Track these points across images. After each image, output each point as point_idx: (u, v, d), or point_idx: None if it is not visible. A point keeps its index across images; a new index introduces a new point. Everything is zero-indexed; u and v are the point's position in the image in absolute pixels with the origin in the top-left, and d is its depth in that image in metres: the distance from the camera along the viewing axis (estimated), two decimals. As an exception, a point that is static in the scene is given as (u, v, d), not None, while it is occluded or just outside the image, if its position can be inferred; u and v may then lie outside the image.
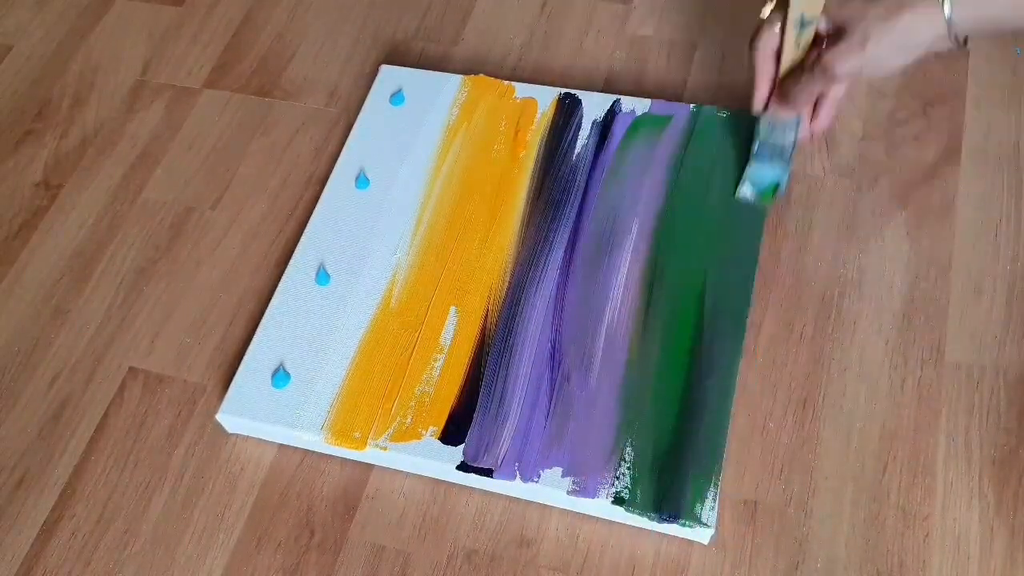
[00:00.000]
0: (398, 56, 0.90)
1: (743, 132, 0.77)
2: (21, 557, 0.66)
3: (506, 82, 0.83)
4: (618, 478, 0.63)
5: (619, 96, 0.81)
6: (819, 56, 0.63)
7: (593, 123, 0.80)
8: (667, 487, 0.62)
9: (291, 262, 0.75)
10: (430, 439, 0.65)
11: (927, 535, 0.62)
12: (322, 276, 0.73)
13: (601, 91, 0.83)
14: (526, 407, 0.66)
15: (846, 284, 0.72)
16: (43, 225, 0.82)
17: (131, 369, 0.74)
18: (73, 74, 0.92)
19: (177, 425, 0.71)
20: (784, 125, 0.69)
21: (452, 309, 0.71)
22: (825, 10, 0.63)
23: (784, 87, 0.67)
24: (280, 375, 0.69)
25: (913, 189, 0.76)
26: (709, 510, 0.61)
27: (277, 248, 0.79)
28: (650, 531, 0.63)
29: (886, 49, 0.60)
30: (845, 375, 0.68)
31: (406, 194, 0.77)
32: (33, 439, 0.71)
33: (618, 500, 0.62)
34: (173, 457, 0.69)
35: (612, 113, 0.80)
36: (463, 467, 0.64)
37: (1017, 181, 0.76)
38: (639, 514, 0.62)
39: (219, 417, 0.68)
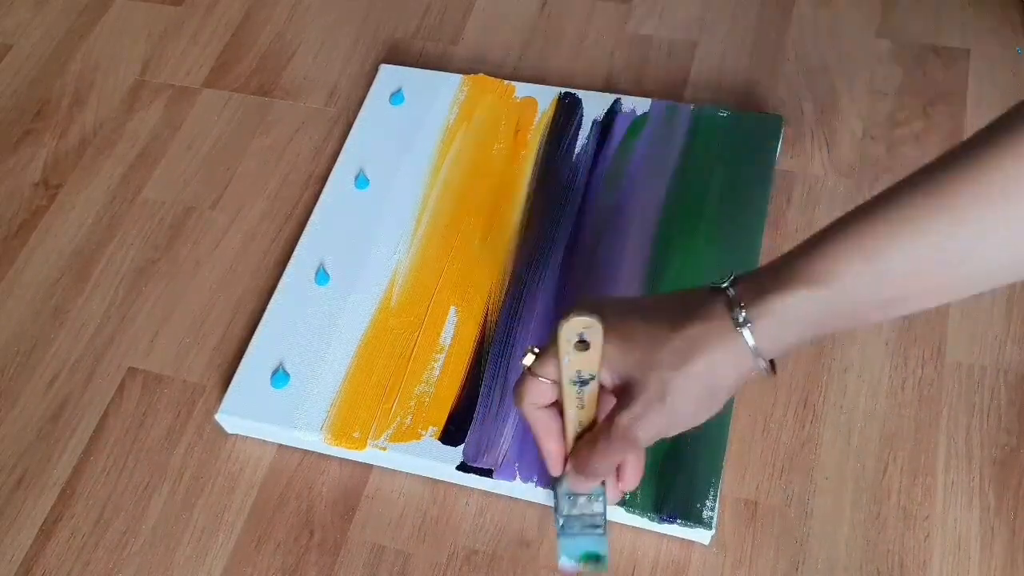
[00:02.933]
0: (398, 55, 0.90)
1: (744, 132, 0.77)
2: (20, 557, 0.66)
3: (506, 82, 0.83)
4: (618, 478, 0.63)
5: (619, 96, 0.81)
6: (611, 418, 0.50)
7: (593, 123, 0.80)
8: (667, 487, 0.62)
9: (291, 262, 0.75)
10: (430, 439, 0.65)
11: (927, 535, 0.62)
12: (322, 276, 0.73)
13: (601, 91, 0.83)
14: (526, 407, 0.66)
15: (846, 284, 0.72)
16: (42, 225, 0.82)
17: (130, 369, 0.73)
18: (72, 74, 0.92)
19: (176, 425, 0.71)
20: (587, 495, 0.55)
21: (452, 309, 0.71)
22: (605, 363, 0.49)
23: (578, 457, 0.52)
24: (279, 375, 0.69)
25: (914, 189, 0.76)
26: (709, 510, 0.61)
27: (277, 248, 0.79)
28: (650, 531, 0.63)
29: (691, 399, 0.47)
30: (846, 375, 0.68)
31: (406, 194, 0.77)
32: (32, 439, 0.71)
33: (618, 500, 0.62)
34: (172, 457, 0.69)
35: (612, 113, 0.80)
36: (463, 467, 0.64)
37: (1018, 181, 0.76)
38: (639, 514, 0.62)
39: (218, 417, 0.68)
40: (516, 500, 0.65)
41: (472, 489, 0.66)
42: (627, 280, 0.71)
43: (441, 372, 0.68)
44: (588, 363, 0.48)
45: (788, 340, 0.46)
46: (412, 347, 0.69)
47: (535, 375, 0.51)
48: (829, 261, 0.44)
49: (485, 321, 0.70)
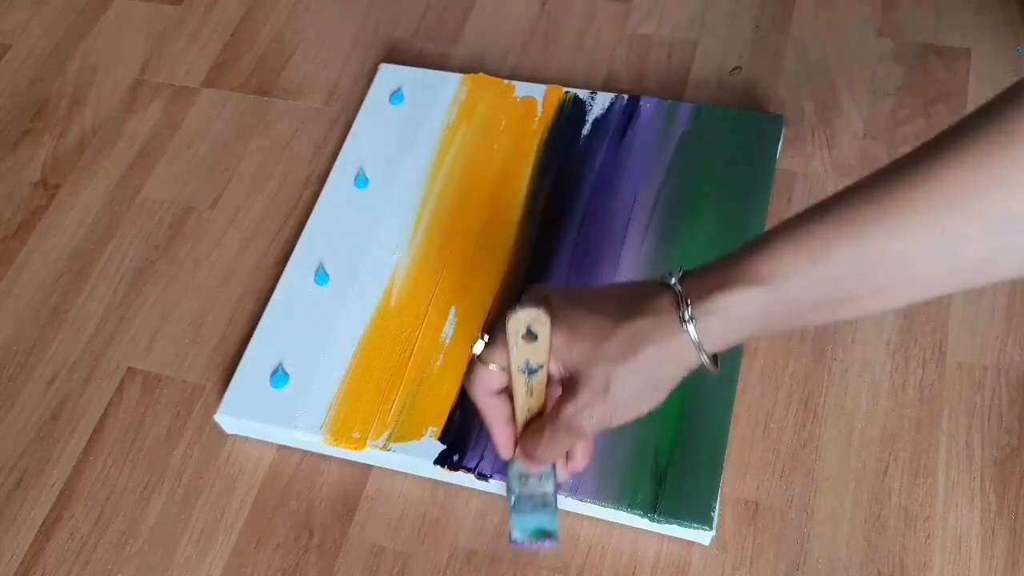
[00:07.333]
0: (397, 55, 0.89)
1: (744, 132, 0.77)
2: (20, 557, 0.66)
3: (506, 81, 0.83)
4: (619, 479, 0.62)
5: (619, 95, 0.81)
6: (557, 408, 0.51)
7: (593, 122, 0.79)
8: (668, 488, 0.62)
9: (290, 262, 0.75)
10: (430, 439, 0.65)
11: (928, 536, 0.62)
12: (321, 276, 0.73)
13: (601, 90, 0.83)
14: (526, 407, 0.66)
15: (847, 284, 0.72)
16: (41, 225, 0.82)
17: (130, 369, 0.73)
18: (72, 73, 0.92)
19: (176, 425, 0.70)
20: (537, 476, 0.57)
21: (452, 309, 0.71)
22: (552, 354, 0.50)
23: (527, 444, 0.53)
24: (279, 375, 0.68)
25: (914, 188, 0.76)
26: (710, 511, 0.61)
27: (276, 248, 0.79)
28: (651, 532, 0.63)
29: (634, 392, 0.49)
30: (846, 375, 0.68)
31: (406, 194, 0.77)
32: (32, 439, 0.71)
33: (618, 500, 0.62)
34: (172, 458, 0.69)
35: (612, 112, 0.80)
36: (462, 467, 0.64)
37: (1019, 180, 0.76)
38: (639, 515, 0.61)
39: (217, 418, 0.68)
40: (516, 500, 0.65)
41: (472, 490, 0.66)
42: (629, 278, 0.71)
43: (441, 372, 0.68)
44: (536, 353, 0.50)
45: (732, 337, 0.47)
46: (412, 347, 0.69)
47: (485, 363, 0.52)
48: (775, 260, 0.44)
49: (485, 321, 0.70)
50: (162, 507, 0.67)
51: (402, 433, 0.66)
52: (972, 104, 0.80)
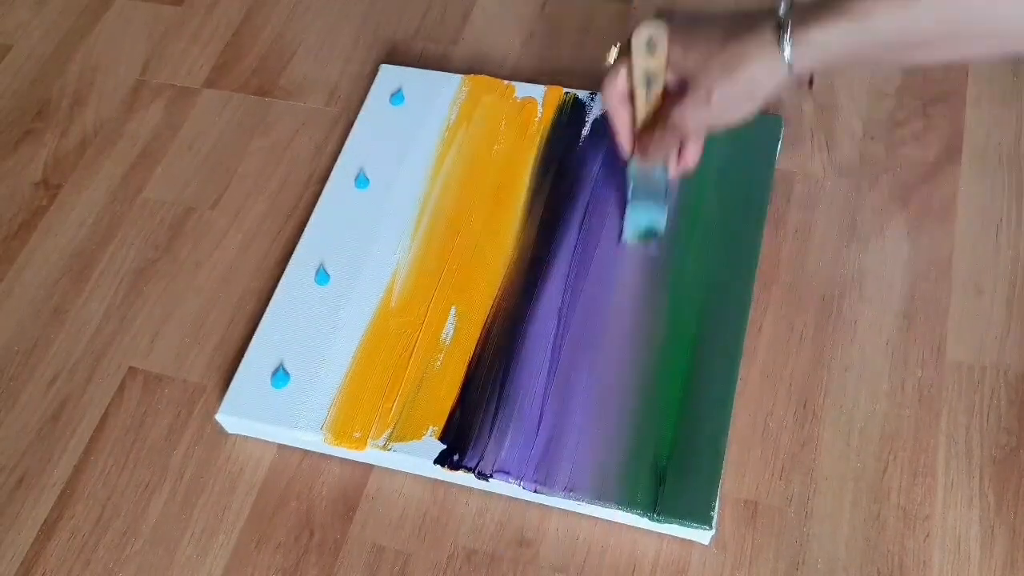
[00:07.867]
0: (398, 56, 0.90)
1: (744, 132, 0.77)
2: (20, 557, 0.66)
3: (506, 82, 0.83)
4: (619, 478, 0.63)
5: (619, 95, 0.81)
6: (667, 111, 0.61)
7: (594, 122, 0.80)
8: (667, 487, 0.62)
9: (291, 262, 0.75)
10: (430, 439, 0.65)
11: (928, 535, 0.62)
12: (322, 276, 0.73)
13: (601, 90, 0.83)
14: (527, 407, 0.66)
15: (846, 284, 0.72)
16: (42, 225, 0.82)
17: (131, 369, 0.74)
18: (73, 74, 0.92)
19: (177, 425, 0.71)
20: (652, 170, 0.68)
21: (452, 309, 0.71)
22: (669, 64, 0.60)
23: (642, 142, 0.65)
24: (280, 375, 0.69)
25: (914, 189, 0.76)
26: (710, 510, 0.61)
27: (277, 248, 0.79)
28: (650, 531, 0.63)
29: (732, 100, 0.58)
30: (846, 375, 0.68)
31: (406, 194, 0.77)
32: (32, 439, 0.71)
33: (618, 500, 0.62)
34: (173, 457, 0.69)
35: (612, 113, 0.80)
36: (462, 467, 0.64)
37: (1018, 180, 0.76)
38: (639, 514, 0.62)
39: (219, 417, 0.68)
40: (516, 500, 0.65)
41: (472, 489, 0.66)
42: (628, 280, 0.71)
43: (441, 372, 0.68)
44: (655, 63, 0.60)
45: (820, 63, 0.55)
46: (412, 347, 0.69)
47: (615, 69, 0.62)
48: (869, 1, 0.51)
49: (485, 320, 0.70)
50: (163, 507, 0.67)
51: (402, 433, 0.66)
52: (971, 104, 0.80)
